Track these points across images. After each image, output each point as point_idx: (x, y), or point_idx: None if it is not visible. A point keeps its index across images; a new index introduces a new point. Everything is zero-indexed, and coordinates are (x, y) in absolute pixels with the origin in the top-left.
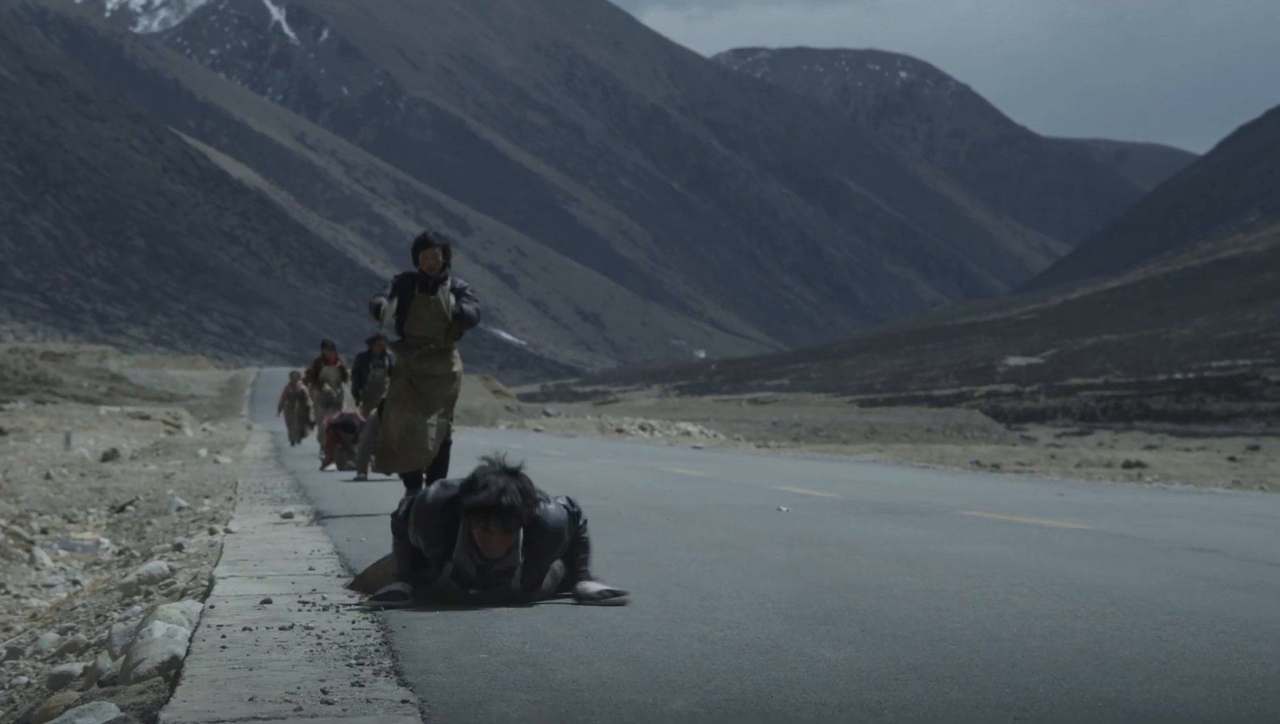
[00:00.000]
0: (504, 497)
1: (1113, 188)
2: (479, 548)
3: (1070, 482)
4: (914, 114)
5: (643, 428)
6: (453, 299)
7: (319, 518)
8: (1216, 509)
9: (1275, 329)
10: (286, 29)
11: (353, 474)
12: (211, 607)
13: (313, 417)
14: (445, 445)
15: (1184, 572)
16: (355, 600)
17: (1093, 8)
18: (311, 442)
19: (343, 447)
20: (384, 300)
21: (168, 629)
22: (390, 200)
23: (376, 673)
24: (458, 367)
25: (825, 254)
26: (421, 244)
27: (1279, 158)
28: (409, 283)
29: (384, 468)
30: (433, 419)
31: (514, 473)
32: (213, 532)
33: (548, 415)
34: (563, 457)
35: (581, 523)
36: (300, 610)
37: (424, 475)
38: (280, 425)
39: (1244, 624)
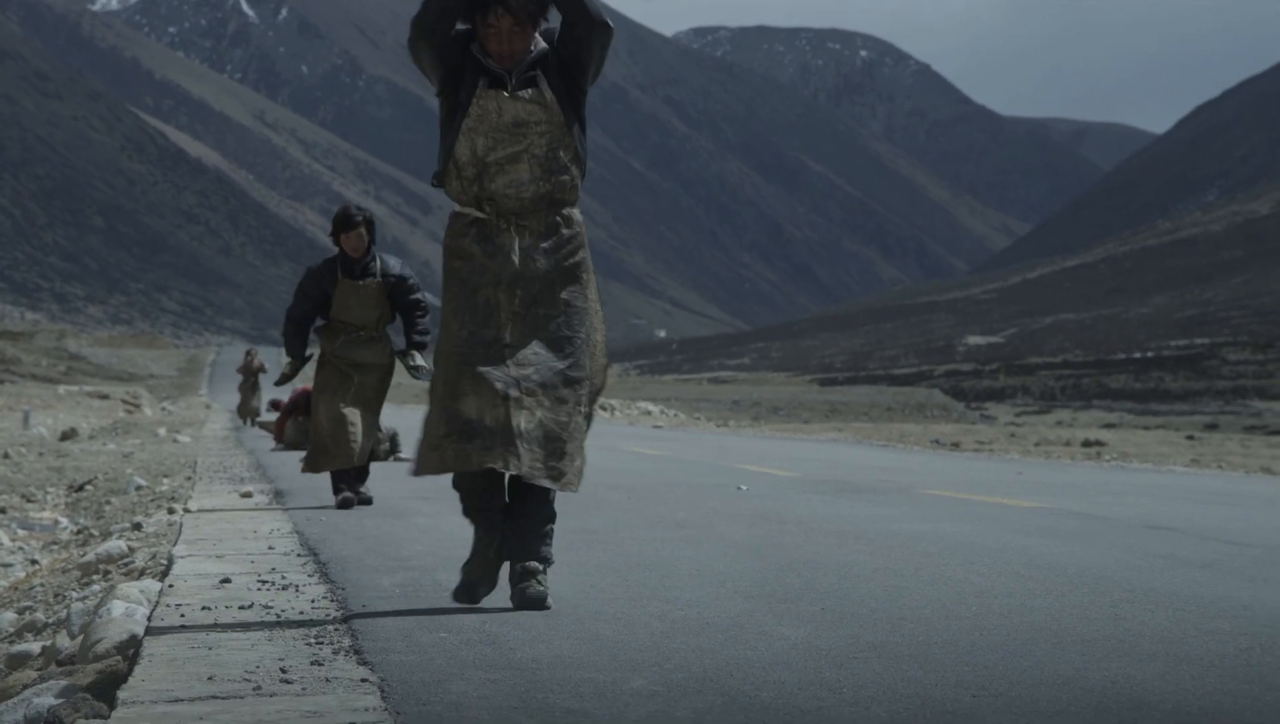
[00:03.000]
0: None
1: (1072, 167)
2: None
3: (1029, 460)
4: (874, 93)
5: (603, 407)
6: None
7: (278, 497)
8: (1175, 487)
9: (1233, 308)
10: (245, 7)
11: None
12: (170, 586)
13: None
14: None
15: (1142, 550)
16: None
17: None
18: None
19: (299, 425)
20: (284, 369)
21: (126, 608)
22: (350, 179)
23: (336, 652)
24: (389, 357)
25: (785, 233)
26: (344, 224)
27: (1237, 137)
28: (328, 274)
29: (315, 467)
30: (361, 415)
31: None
32: (172, 511)
33: None
34: None
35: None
36: (260, 589)
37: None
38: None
39: (1201, 602)
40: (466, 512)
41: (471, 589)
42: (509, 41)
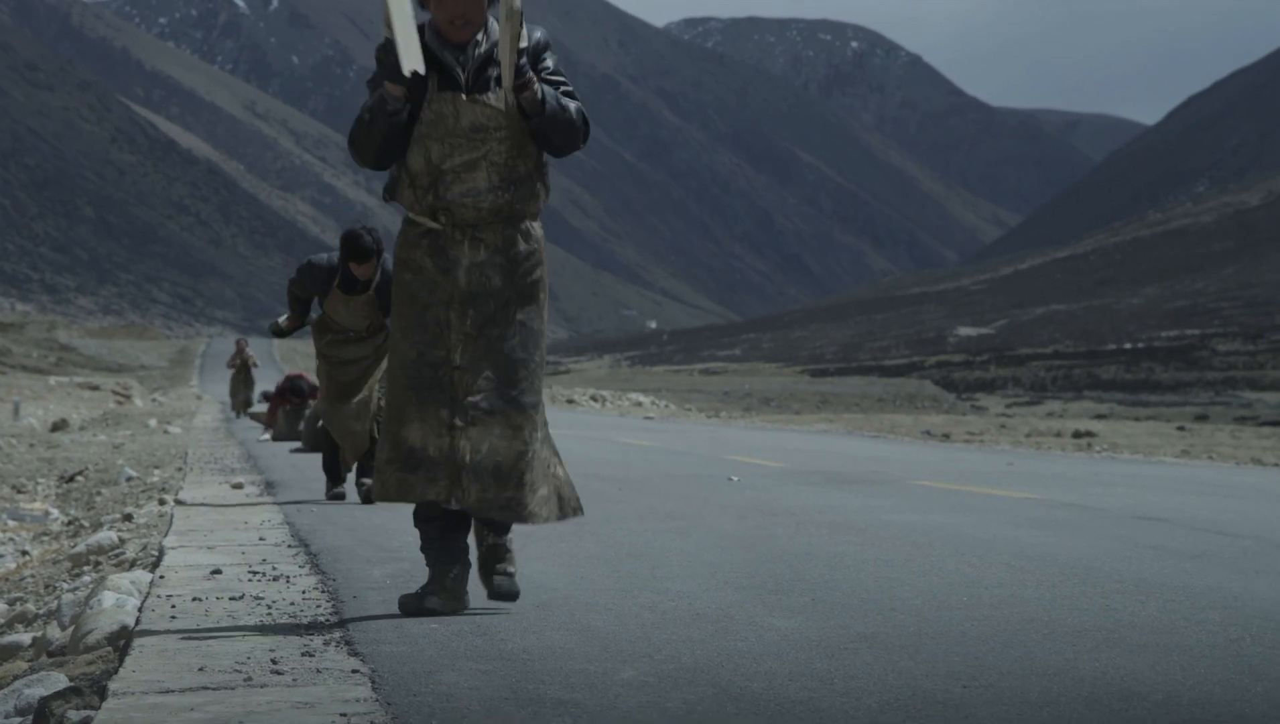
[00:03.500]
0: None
1: (1063, 158)
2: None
3: (1020, 451)
4: (865, 84)
5: (594, 398)
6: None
7: (269, 488)
8: (1165, 478)
9: (1224, 299)
10: None
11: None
12: (161, 577)
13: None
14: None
15: (1132, 540)
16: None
17: None
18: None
19: (288, 413)
20: (280, 321)
21: (117, 599)
22: (341, 170)
23: (327, 643)
24: (382, 348)
25: (776, 224)
26: (357, 254)
27: (1227, 129)
28: (323, 282)
29: (349, 463)
30: (356, 400)
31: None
32: (162, 502)
33: None
34: None
35: None
36: (250, 580)
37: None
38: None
39: (1191, 593)
40: (424, 547)
41: (421, 598)
42: (460, 4)
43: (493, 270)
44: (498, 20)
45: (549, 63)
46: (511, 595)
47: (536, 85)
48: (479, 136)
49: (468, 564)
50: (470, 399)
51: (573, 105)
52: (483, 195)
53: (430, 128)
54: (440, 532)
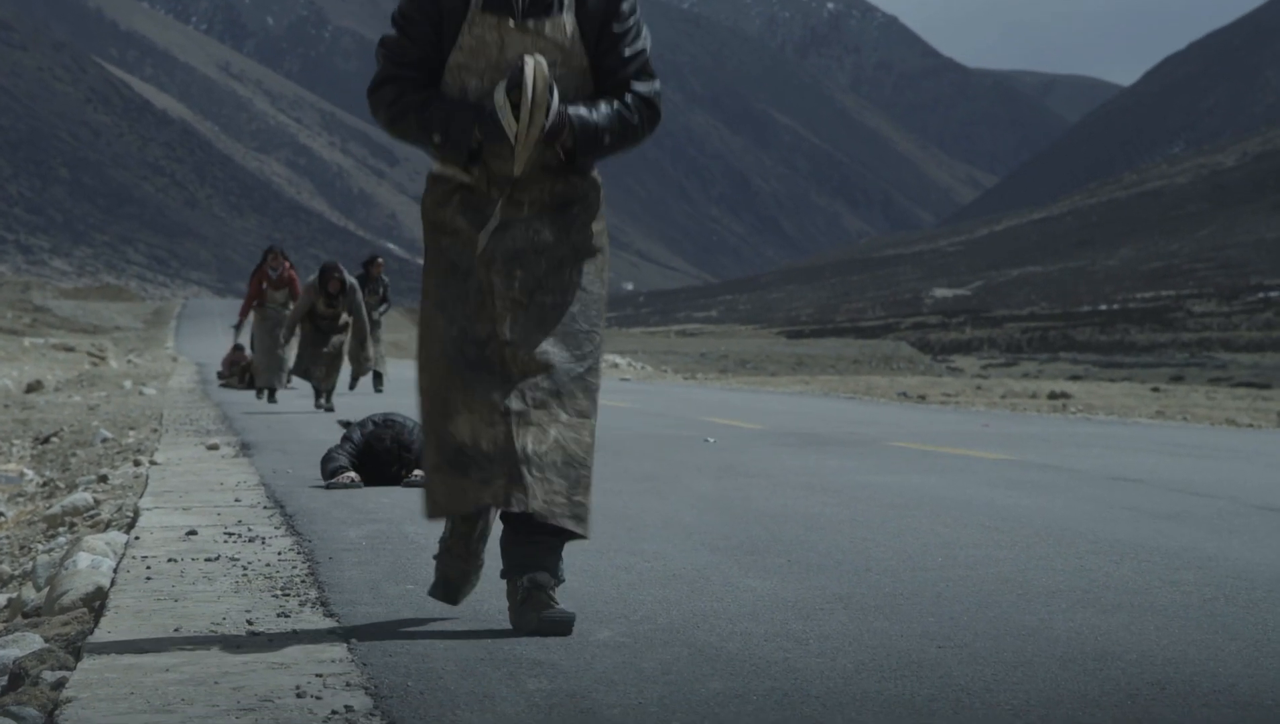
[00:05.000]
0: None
1: (1039, 119)
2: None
3: (996, 412)
4: (841, 45)
5: None
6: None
7: (245, 449)
8: (1140, 439)
9: (1199, 260)
10: None
11: (275, 404)
12: (136, 538)
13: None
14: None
15: (1107, 501)
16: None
17: None
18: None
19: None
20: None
21: (92, 561)
22: (316, 131)
23: (302, 604)
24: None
25: (752, 185)
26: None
27: (1203, 90)
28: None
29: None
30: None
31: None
32: (138, 463)
33: None
34: None
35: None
36: (226, 542)
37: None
38: (209, 354)
39: (1166, 553)
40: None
41: (448, 586)
42: None
43: (541, 223)
44: None
45: (630, 22)
46: (565, 623)
47: (567, 132)
48: None
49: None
50: (531, 379)
51: (631, 104)
52: None
53: (469, 57)
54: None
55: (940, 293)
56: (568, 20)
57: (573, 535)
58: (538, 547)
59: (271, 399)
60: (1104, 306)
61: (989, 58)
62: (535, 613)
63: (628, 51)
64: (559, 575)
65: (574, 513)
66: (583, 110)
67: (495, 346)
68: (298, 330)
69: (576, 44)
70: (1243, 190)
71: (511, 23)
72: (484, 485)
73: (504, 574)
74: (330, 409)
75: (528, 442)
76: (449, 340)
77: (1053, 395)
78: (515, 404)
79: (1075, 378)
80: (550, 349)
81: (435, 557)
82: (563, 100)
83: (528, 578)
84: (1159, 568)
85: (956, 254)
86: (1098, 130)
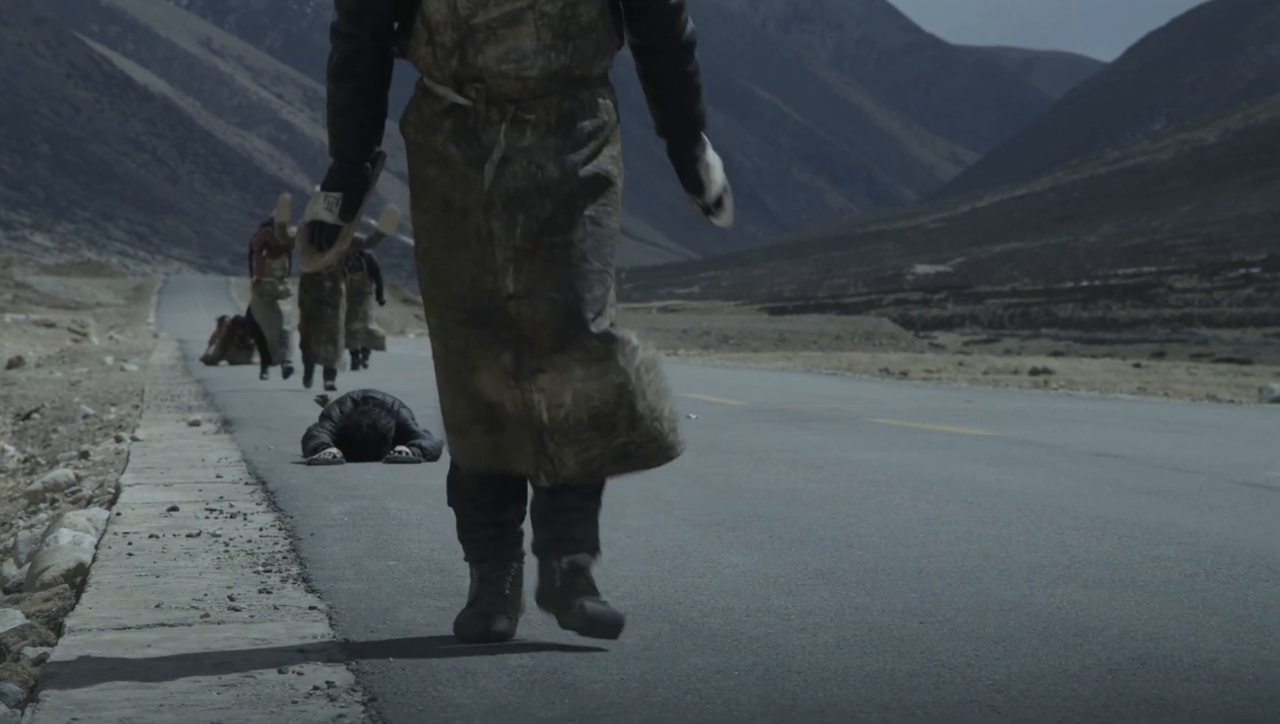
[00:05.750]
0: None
1: (1021, 96)
2: None
3: (977, 388)
4: (823, 21)
5: None
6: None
7: (226, 425)
8: (1121, 415)
9: (1180, 236)
10: None
11: (258, 381)
12: (118, 514)
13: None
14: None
15: (1089, 477)
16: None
17: None
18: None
19: (238, 343)
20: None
21: (74, 537)
22: (298, 106)
23: (284, 580)
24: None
25: (735, 162)
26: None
27: (1185, 66)
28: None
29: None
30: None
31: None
32: (119, 439)
33: None
34: None
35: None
36: (207, 518)
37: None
38: (191, 330)
39: (1147, 528)
40: (463, 536)
41: (487, 619)
42: None
43: (545, 156)
44: None
45: None
46: (615, 625)
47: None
48: None
49: (522, 554)
50: (540, 335)
51: (686, 58)
52: (528, 59)
53: None
54: (490, 513)
55: (922, 269)
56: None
57: (641, 467)
58: (574, 516)
59: (285, 375)
60: (1086, 283)
61: (971, 34)
62: (578, 603)
63: None
64: (598, 549)
65: (619, 458)
66: (700, 138)
67: (500, 301)
68: (295, 293)
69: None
70: (1224, 166)
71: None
72: (518, 450)
73: (536, 551)
74: (333, 388)
75: (543, 410)
76: (461, 288)
77: (1034, 371)
78: (525, 369)
79: (1057, 354)
80: (559, 296)
81: (471, 583)
82: (558, 11)
83: (567, 561)
84: (1140, 543)
85: (938, 230)
86: (1080, 106)
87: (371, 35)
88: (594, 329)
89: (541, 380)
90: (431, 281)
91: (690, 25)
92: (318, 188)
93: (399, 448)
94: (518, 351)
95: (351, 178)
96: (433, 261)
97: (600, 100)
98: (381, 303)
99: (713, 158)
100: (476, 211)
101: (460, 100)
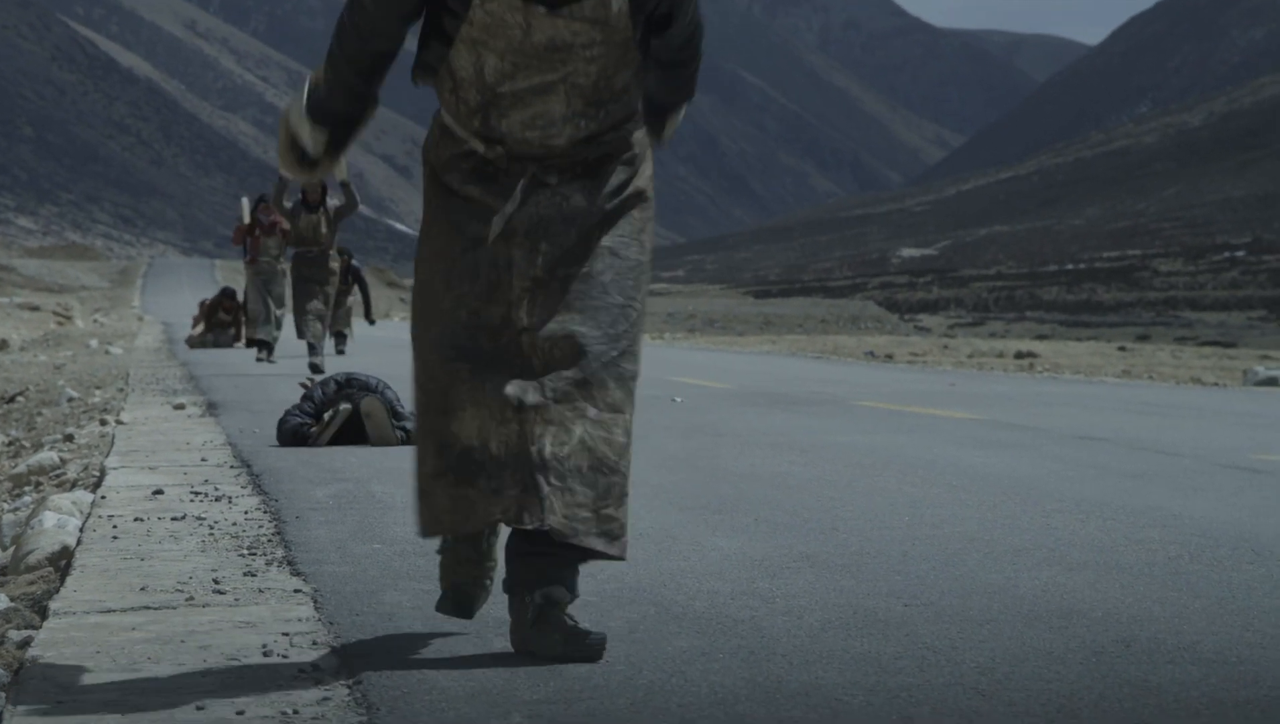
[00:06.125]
0: None
1: (1006, 79)
2: None
3: (962, 372)
4: (809, 5)
5: None
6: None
7: (211, 409)
8: (1106, 398)
9: (1165, 219)
10: None
11: (243, 364)
12: (103, 497)
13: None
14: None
15: (1073, 460)
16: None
17: None
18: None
19: (220, 321)
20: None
21: (58, 520)
22: (283, 90)
23: (269, 563)
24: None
25: (721, 146)
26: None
27: (1170, 49)
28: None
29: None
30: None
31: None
32: (104, 422)
33: None
34: None
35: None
36: (192, 501)
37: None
38: (176, 313)
39: (1131, 511)
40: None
41: (459, 597)
42: None
43: (572, 188)
44: None
45: None
46: (596, 650)
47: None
48: (559, 57)
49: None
50: (555, 370)
51: (683, 51)
52: (556, 126)
53: (483, 33)
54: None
55: (907, 252)
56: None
57: (601, 554)
58: (552, 559)
59: (268, 358)
60: (1070, 266)
61: (957, 17)
62: (557, 635)
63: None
64: (575, 591)
65: (602, 529)
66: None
67: (510, 334)
68: (286, 271)
69: (623, 17)
70: (1209, 150)
71: (542, 9)
72: (494, 497)
73: (507, 588)
74: (321, 371)
75: (546, 443)
76: (455, 324)
77: (1019, 355)
78: (532, 398)
79: (1042, 337)
80: (577, 329)
81: (440, 560)
82: (591, 83)
83: (540, 594)
84: (1124, 526)
85: (924, 214)
86: (1065, 90)
87: (370, 61)
88: (613, 372)
89: (552, 411)
90: (422, 317)
91: (697, 55)
92: (304, 99)
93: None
94: (523, 386)
95: (342, 117)
96: (429, 295)
97: (631, 136)
98: (371, 322)
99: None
100: (497, 244)
101: (481, 150)
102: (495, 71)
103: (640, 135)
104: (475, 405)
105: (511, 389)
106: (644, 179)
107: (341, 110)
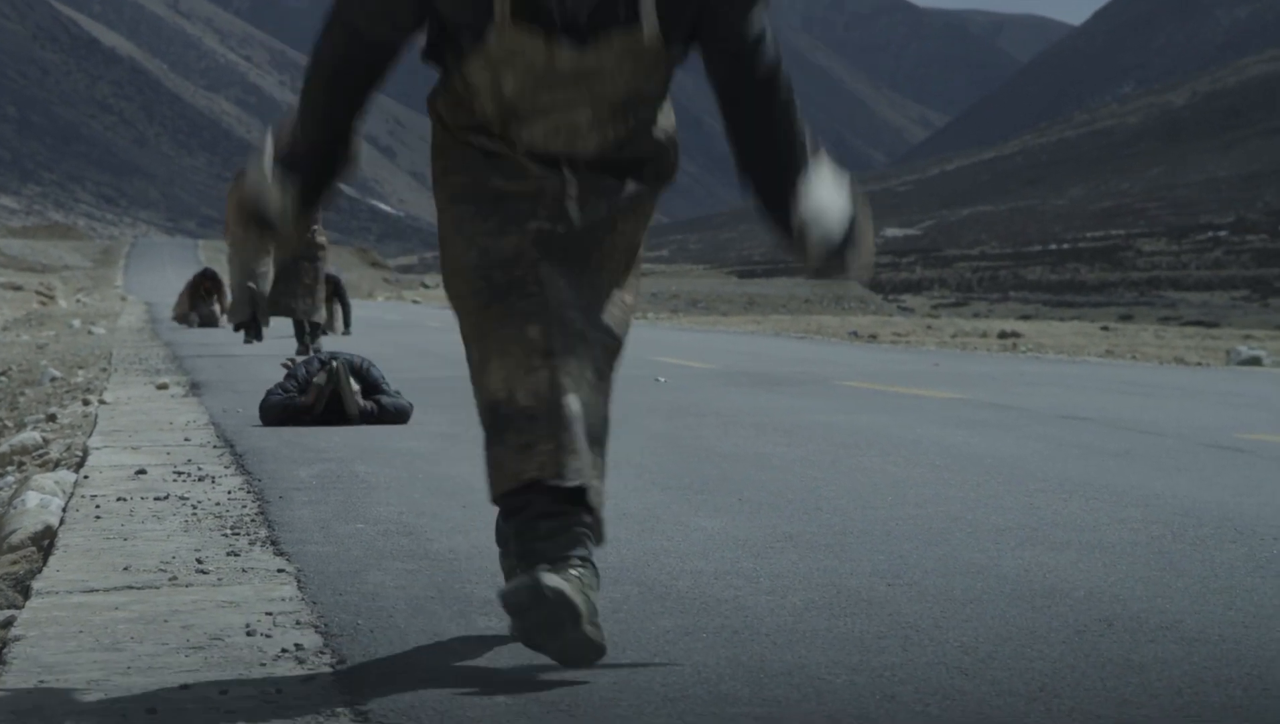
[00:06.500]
0: None
1: (990, 59)
2: None
3: (946, 352)
4: None
5: None
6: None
7: (194, 389)
8: (1089, 378)
9: (1149, 199)
10: None
11: (227, 344)
12: (85, 477)
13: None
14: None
15: (1056, 439)
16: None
17: None
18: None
19: (204, 296)
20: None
21: (41, 499)
22: (266, 69)
23: (252, 543)
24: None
25: (705, 126)
26: None
27: (1153, 29)
28: None
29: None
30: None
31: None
32: (87, 402)
33: (426, 287)
34: (441, 328)
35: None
36: (175, 481)
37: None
38: (159, 293)
39: (1114, 491)
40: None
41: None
42: None
43: (595, 194)
44: None
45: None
46: (596, 651)
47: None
48: (584, 83)
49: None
50: (567, 311)
51: (791, 96)
52: (582, 137)
53: (502, 58)
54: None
55: (891, 232)
56: (650, 25)
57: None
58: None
59: (251, 338)
60: (1054, 246)
61: None
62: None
63: (752, 45)
64: (589, 557)
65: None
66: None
67: (526, 264)
68: (271, 262)
69: (655, 43)
70: (1193, 129)
71: (565, 48)
72: (524, 453)
73: (500, 542)
74: (318, 350)
75: (569, 393)
76: (469, 267)
77: (1003, 334)
78: (557, 342)
79: (1025, 317)
80: (580, 292)
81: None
82: (620, 95)
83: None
84: (1107, 505)
85: (907, 194)
86: (1048, 70)
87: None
88: (607, 342)
89: (574, 365)
90: (447, 267)
91: (784, 70)
92: (266, 154)
93: (364, 401)
94: (546, 324)
95: (318, 161)
96: (452, 254)
97: (658, 132)
98: (347, 334)
99: (818, 189)
100: (519, 199)
101: (499, 151)
102: (516, 91)
103: (668, 125)
104: (499, 355)
105: (535, 331)
106: (669, 165)
107: (317, 142)
